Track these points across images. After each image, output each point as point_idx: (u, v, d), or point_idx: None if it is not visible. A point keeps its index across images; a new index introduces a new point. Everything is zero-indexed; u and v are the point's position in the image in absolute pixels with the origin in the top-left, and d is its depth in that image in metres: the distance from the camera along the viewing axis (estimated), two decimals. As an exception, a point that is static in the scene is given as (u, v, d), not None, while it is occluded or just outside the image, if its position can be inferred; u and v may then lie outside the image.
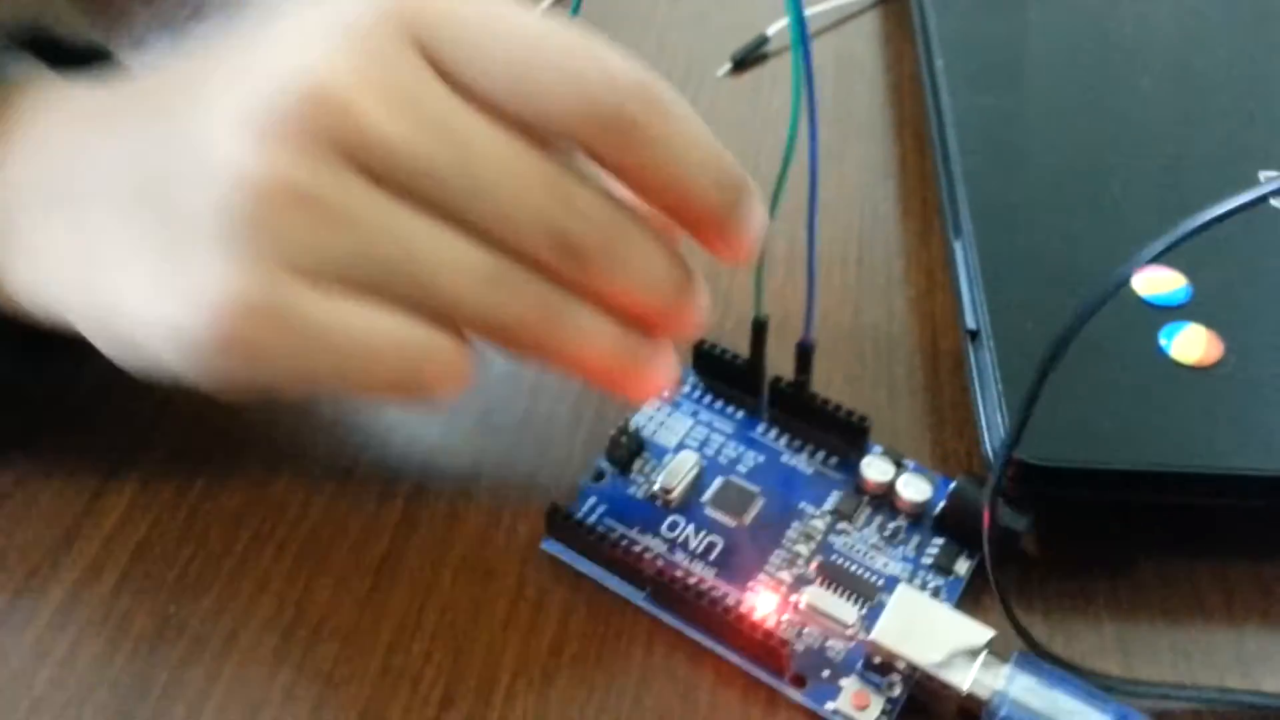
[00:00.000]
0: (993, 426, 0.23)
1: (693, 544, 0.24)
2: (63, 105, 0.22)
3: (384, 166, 0.18)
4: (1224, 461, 0.23)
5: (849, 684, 0.22)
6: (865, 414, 0.25)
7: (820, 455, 0.25)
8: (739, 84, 0.37)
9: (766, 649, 0.22)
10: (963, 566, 0.24)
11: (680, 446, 0.26)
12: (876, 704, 0.22)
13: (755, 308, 0.24)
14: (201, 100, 0.19)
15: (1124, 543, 0.24)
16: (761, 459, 0.25)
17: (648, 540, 0.24)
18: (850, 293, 0.30)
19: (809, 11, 0.27)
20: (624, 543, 0.23)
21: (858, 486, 0.25)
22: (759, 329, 0.25)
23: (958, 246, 0.27)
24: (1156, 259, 0.18)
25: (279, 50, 0.19)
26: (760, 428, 0.26)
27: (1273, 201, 0.28)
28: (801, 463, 0.25)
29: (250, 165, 0.18)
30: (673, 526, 0.24)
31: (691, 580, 0.22)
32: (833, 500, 0.25)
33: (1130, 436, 0.23)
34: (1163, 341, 0.24)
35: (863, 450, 0.25)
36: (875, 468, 0.24)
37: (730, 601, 0.22)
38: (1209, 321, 0.25)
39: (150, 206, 0.19)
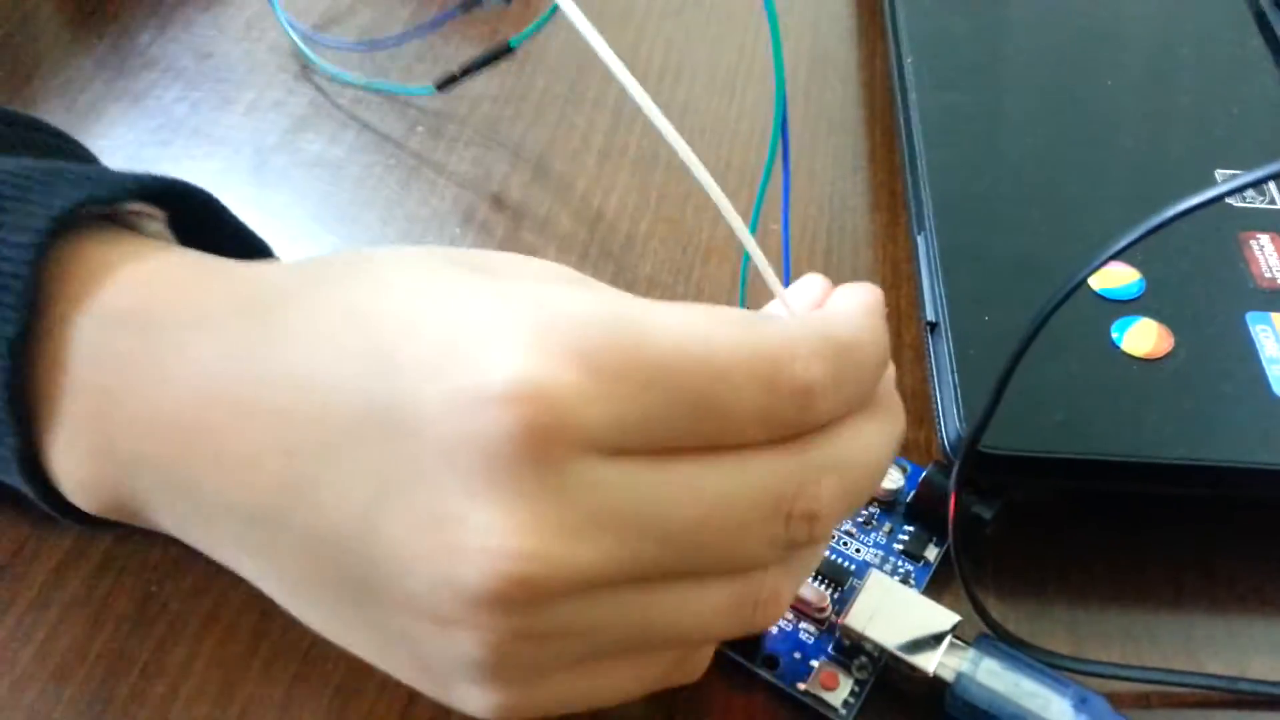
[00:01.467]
0: (949, 416, 0.24)
1: None
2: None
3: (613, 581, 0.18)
4: (1171, 451, 0.23)
5: (819, 665, 0.23)
6: None
7: None
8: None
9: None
10: (932, 553, 0.24)
11: None
12: (845, 684, 0.22)
13: (741, 303, 0.25)
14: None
15: (1077, 530, 0.25)
16: None
17: None
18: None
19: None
20: None
21: None
22: None
23: (920, 240, 0.28)
24: (1115, 256, 0.18)
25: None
26: None
27: (1228, 199, 0.29)
28: None
29: (490, 633, 0.17)
30: None
31: None
32: None
33: (1081, 426, 0.24)
34: (1115, 334, 0.25)
35: None
36: None
37: None
38: (1160, 315, 0.25)
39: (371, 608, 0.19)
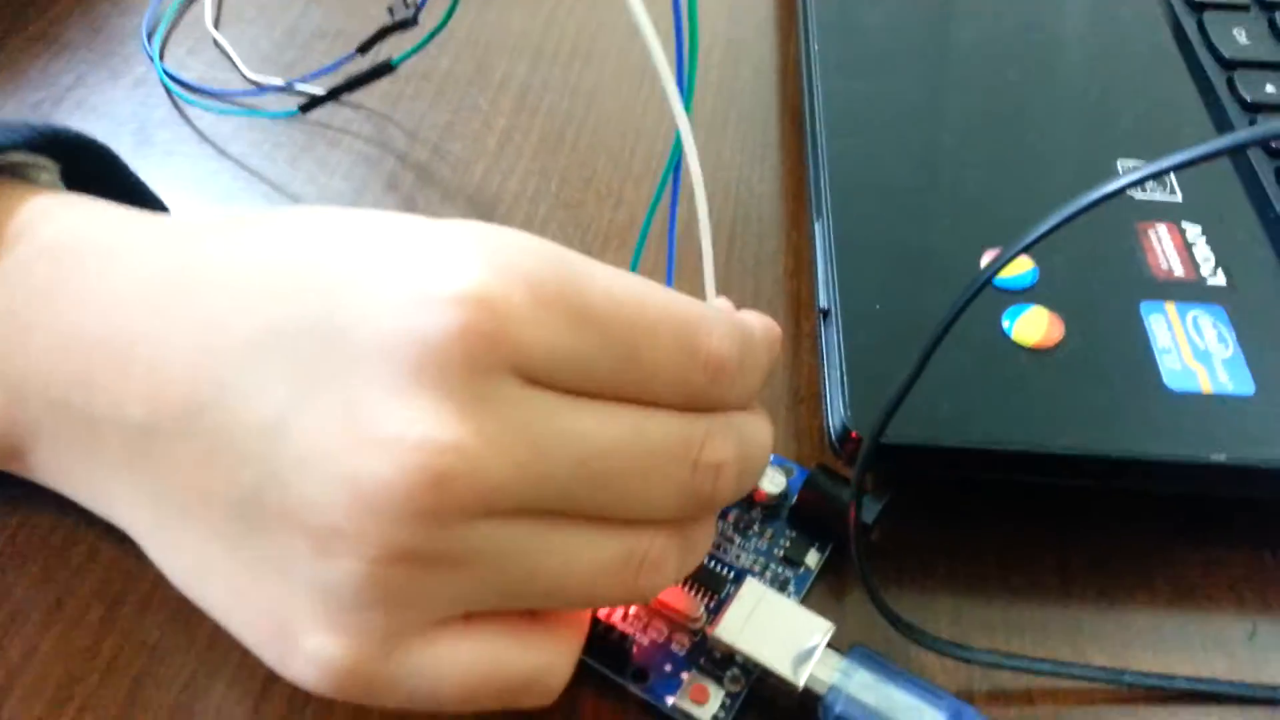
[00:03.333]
0: (834, 403, 0.24)
1: None
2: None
3: (506, 506, 0.18)
4: (1059, 441, 0.23)
5: (689, 678, 0.22)
6: None
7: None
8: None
9: (608, 644, 0.22)
10: (813, 559, 0.24)
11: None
12: (716, 698, 0.21)
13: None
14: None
15: (964, 522, 0.25)
16: None
17: None
18: (719, 270, 0.30)
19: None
20: None
21: None
22: None
23: (818, 227, 0.28)
24: (1025, 250, 0.18)
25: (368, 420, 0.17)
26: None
27: (1129, 191, 0.28)
28: None
29: (373, 548, 0.17)
30: None
31: None
32: None
33: (969, 416, 0.23)
34: (1005, 324, 0.25)
35: None
36: None
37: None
38: (1053, 304, 0.25)
39: (249, 524, 0.18)
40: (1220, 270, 0.26)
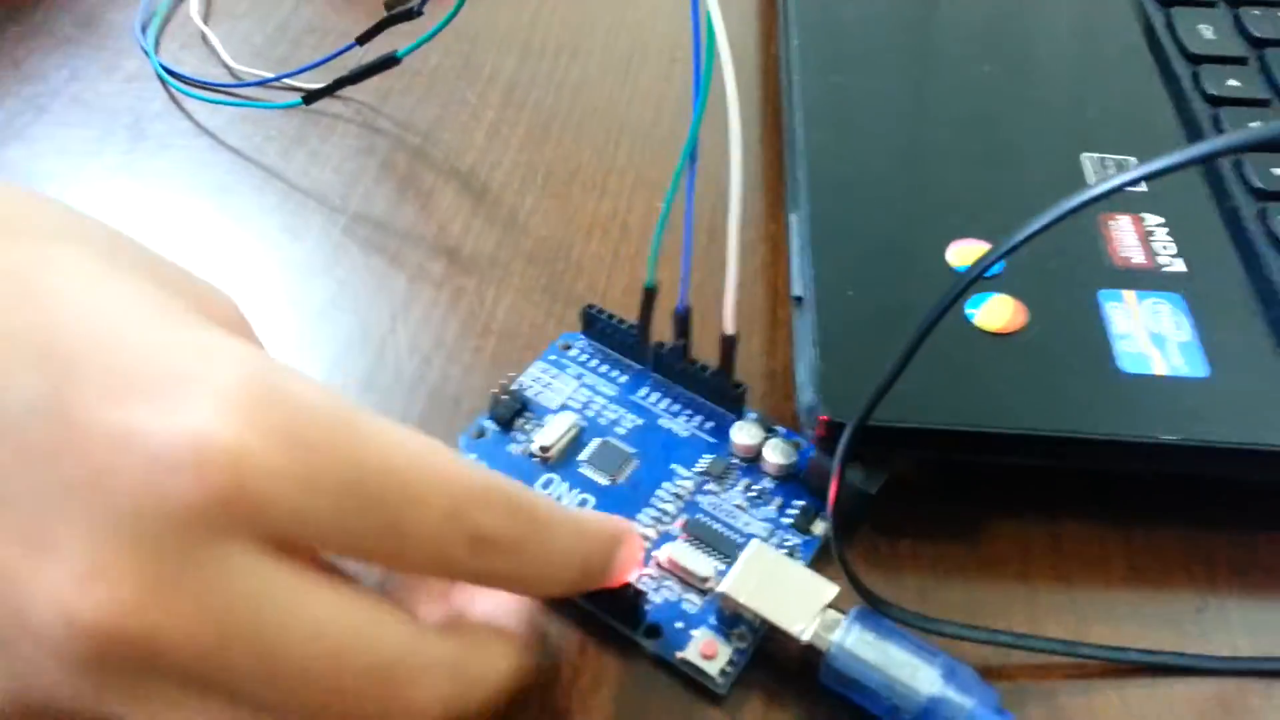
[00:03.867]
0: (804, 387, 0.24)
1: (565, 500, 0.25)
2: None
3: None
4: (1020, 422, 0.24)
5: (699, 634, 0.23)
6: (742, 381, 0.26)
7: (697, 419, 0.26)
8: (610, 58, 0.38)
9: (623, 600, 0.22)
10: (819, 527, 0.25)
11: (562, 407, 0.27)
12: (724, 653, 0.22)
13: (649, 275, 0.25)
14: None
15: (929, 502, 0.26)
16: (640, 421, 0.26)
17: None
18: (700, 260, 0.31)
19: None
20: None
21: (729, 449, 0.26)
22: (648, 296, 0.26)
23: (793, 218, 0.28)
24: (1004, 255, 0.19)
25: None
26: (643, 391, 0.27)
27: (1091, 181, 0.29)
28: (678, 425, 0.26)
29: (17, 681, 0.16)
30: (547, 484, 0.25)
31: None
32: (704, 462, 0.26)
33: (935, 398, 0.24)
34: (970, 311, 0.26)
35: (740, 415, 0.26)
36: (745, 432, 0.26)
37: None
38: (1017, 291, 0.26)
39: None
40: (1179, 259, 0.27)
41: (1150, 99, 0.32)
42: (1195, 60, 0.33)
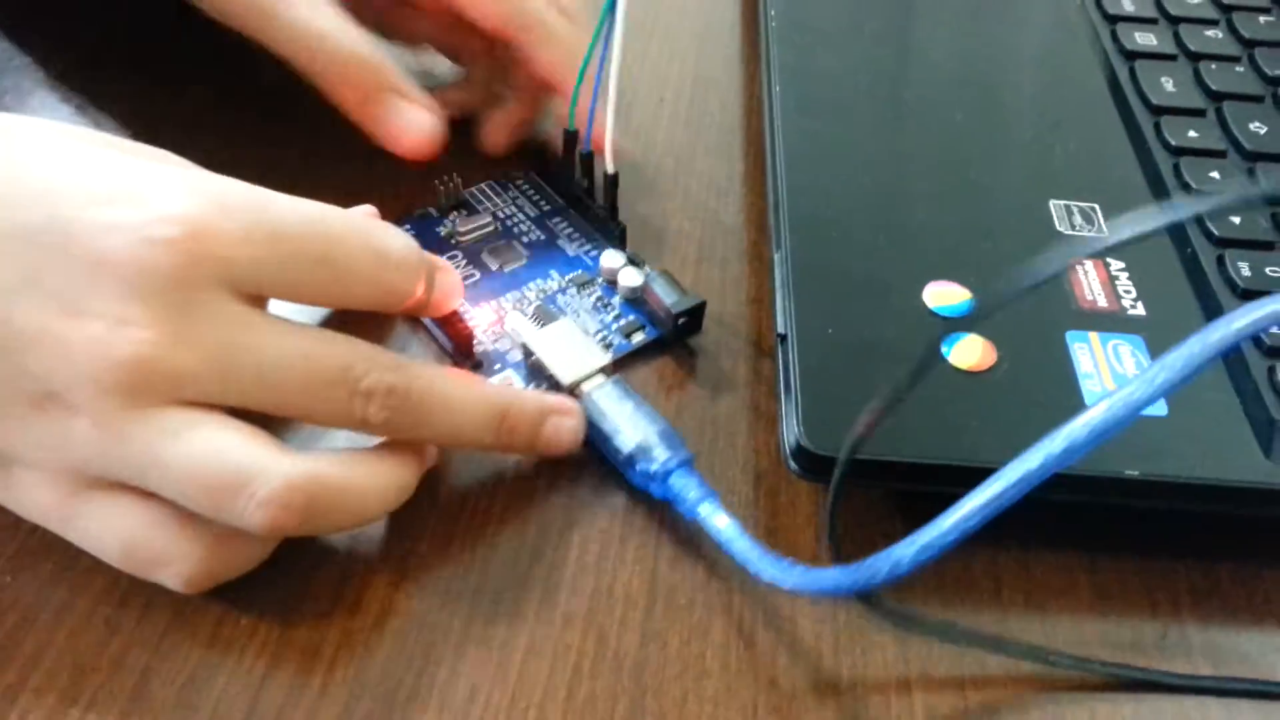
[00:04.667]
0: (789, 421, 0.26)
1: (460, 272, 0.31)
2: None
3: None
4: (990, 456, 0.25)
5: (507, 373, 0.29)
6: (624, 222, 0.32)
7: (588, 247, 0.33)
8: None
9: (463, 339, 0.29)
10: (638, 337, 0.30)
11: (490, 213, 0.33)
12: (517, 384, 0.29)
13: (570, 122, 0.32)
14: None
15: (907, 531, 0.27)
16: (542, 237, 0.33)
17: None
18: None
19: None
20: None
21: (599, 271, 0.32)
22: (569, 139, 0.33)
23: (776, 257, 0.30)
24: (999, 306, 0.20)
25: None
26: (558, 219, 0.34)
27: (1058, 227, 0.31)
28: (571, 248, 0.33)
29: (85, 414, 0.22)
30: (452, 257, 0.32)
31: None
32: (575, 275, 0.32)
33: (911, 433, 0.25)
34: (945, 349, 0.27)
35: (622, 247, 0.33)
36: (610, 257, 0.32)
37: (461, 309, 0.30)
38: (988, 332, 0.27)
39: None
40: (1140, 302, 0.29)
41: (1114, 148, 0.34)
42: (1157, 111, 0.35)
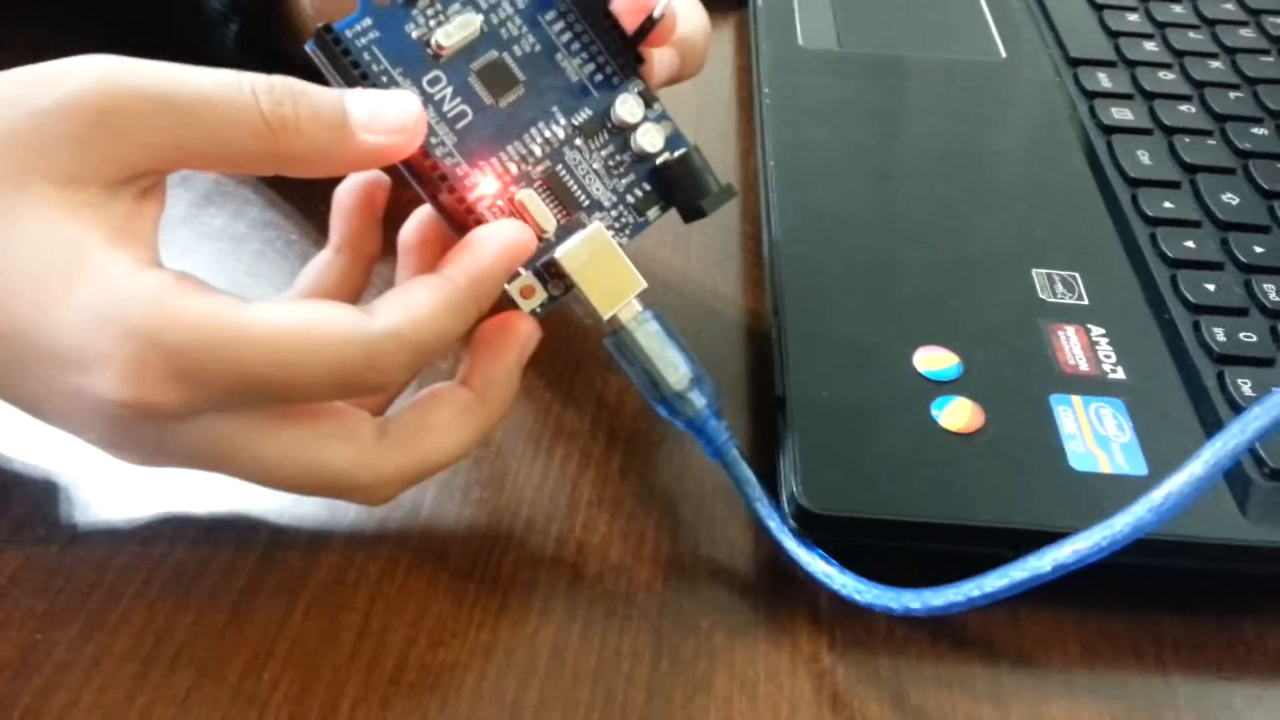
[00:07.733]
0: (787, 478, 0.27)
1: (446, 106, 0.25)
2: None
3: None
4: (978, 515, 0.26)
5: (525, 277, 0.26)
6: (644, 53, 0.28)
7: (591, 67, 0.27)
8: None
9: (466, 225, 0.25)
10: (654, 214, 0.28)
11: (470, 3, 0.26)
12: (539, 298, 0.26)
13: None
14: None
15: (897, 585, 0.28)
16: (538, 48, 0.26)
17: (406, 86, 0.25)
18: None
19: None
20: (384, 80, 0.25)
21: (607, 114, 0.27)
22: None
23: (775, 323, 0.31)
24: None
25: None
26: (550, 14, 0.27)
27: (1040, 295, 0.32)
28: (572, 69, 0.27)
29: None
30: (434, 82, 0.25)
31: (435, 153, 0.25)
32: (582, 117, 0.27)
33: (901, 491, 0.27)
34: (935, 412, 0.28)
35: (630, 75, 0.27)
36: (628, 107, 0.27)
37: (459, 172, 0.25)
38: (975, 395, 0.29)
39: None
40: (1120, 367, 0.30)
41: (1093, 218, 0.36)
42: (1134, 184, 0.37)
